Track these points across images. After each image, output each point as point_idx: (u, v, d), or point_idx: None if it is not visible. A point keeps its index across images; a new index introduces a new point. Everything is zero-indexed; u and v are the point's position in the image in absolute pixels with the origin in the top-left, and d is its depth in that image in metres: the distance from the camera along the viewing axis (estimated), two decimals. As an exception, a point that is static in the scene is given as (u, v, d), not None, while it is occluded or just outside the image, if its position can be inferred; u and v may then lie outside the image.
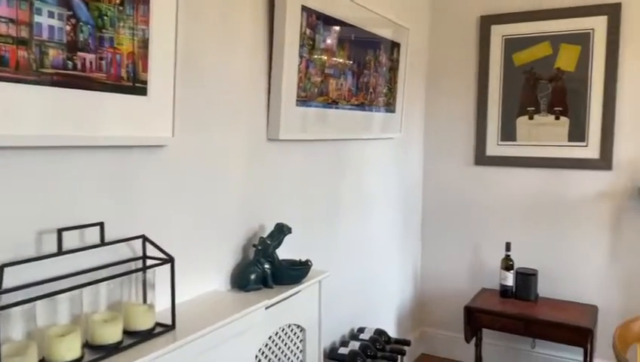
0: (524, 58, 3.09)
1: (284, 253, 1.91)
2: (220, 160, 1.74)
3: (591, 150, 2.93)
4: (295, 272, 1.88)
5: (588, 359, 2.63)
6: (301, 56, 1.97)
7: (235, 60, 1.78)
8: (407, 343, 2.59)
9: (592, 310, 2.85)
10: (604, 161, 2.89)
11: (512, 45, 3.11)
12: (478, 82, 3.21)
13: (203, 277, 1.71)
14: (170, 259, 1.40)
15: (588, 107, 2.92)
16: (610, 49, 2.84)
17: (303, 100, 2.02)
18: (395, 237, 3.12)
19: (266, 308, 1.68)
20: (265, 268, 1.80)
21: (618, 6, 2.81)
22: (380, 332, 2.58)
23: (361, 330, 2.60)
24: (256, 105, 1.89)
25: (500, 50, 3.15)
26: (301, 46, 1.96)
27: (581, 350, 2.74)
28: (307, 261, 1.92)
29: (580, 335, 2.63)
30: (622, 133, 2.85)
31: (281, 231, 1.85)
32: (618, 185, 2.87)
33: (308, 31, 1.99)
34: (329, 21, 2.12)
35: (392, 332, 3.12)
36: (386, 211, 2.97)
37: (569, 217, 3.00)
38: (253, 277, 1.78)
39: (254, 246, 1.83)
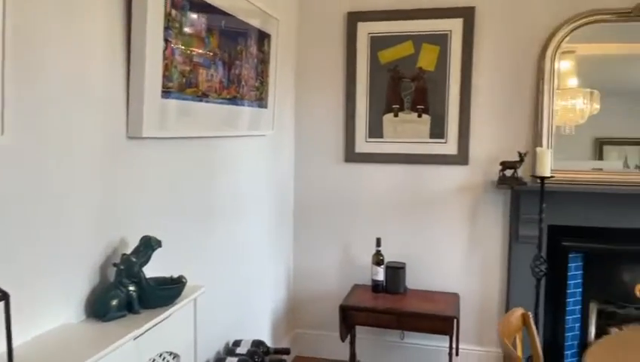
0: (389, 56, 3.15)
1: (152, 270, 1.63)
2: (66, 163, 1.41)
3: (450, 146, 3.09)
4: (167, 292, 1.61)
5: (454, 345, 2.76)
6: (166, 41, 1.70)
7: (85, 46, 1.46)
8: (286, 351, 2.46)
9: (454, 298, 3.02)
10: (461, 157, 3.07)
11: (378, 43, 3.15)
12: (347, 79, 3.20)
13: (49, 309, 1.37)
14: (3, 296, 1.07)
15: (446, 106, 3.08)
16: (466, 50, 3.02)
17: (170, 92, 1.75)
18: (268, 239, 2.97)
19: (135, 338, 1.41)
20: (129, 291, 1.51)
21: (472, 10, 2.99)
22: (257, 344, 2.41)
23: (237, 343, 2.41)
24: (114, 97, 1.58)
25: (366, 48, 3.16)
26: (166, 28, 1.69)
27: (447, 337, 2.88)
28: (181, 277, 1.67)
29: (445, 324, 2.75)
30: (477, 130, 3.05)
31: (148, 245, 1.58)
32: (474, 179, 3.07)
33: (173, 12, 1.73)
34: (196, 3, 1.87)
35: (267, 338, 2.97)
36: (259, 213, 2.80)
37: (432, 210, 3.14)
38: (114, 302, 1.48)
39: (115, 265, 1.53)
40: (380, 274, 3.05)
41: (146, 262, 1.57)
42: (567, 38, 2.89)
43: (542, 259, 2.70)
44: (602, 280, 3.05)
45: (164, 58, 1.70)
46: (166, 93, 1.73)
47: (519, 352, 1.56)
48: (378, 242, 3.05)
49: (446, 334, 2.76)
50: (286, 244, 3.28)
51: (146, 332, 1.48)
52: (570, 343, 3.06)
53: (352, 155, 3.23)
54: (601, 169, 2.95)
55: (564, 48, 2.92)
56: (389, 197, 3.20)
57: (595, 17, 2.83)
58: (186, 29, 1.82)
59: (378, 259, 3.04)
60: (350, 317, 2.89)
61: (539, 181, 2.65)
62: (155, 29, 1.64)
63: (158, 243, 1.59)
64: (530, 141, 2.97)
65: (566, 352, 3.04)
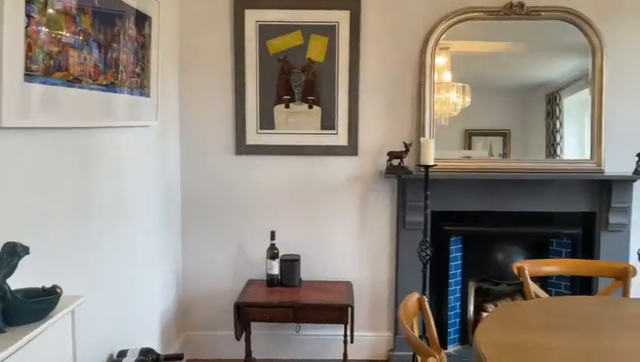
0: (278, 46, 3.09)
1: (21, 281, 1.41)
2: None
3: (340, 137, 3.13)
4: (37, 306, 1.40)
5: (349, 333, 2.81)
6: (29, 16, 1.47)
7: None
8: (179, 357, 2.31)
9: (348, 287, 3.07)
10: (351, 148, 3.12)
11: (266, 32, 3.07)
12: (235, 68, 3.08)
13: None
14: None
15: (336, 97, 3.10)
16: (353, 43, 3.06)
17: (34, 75, 1.52)
18: (155, 238, 2.76)
19: (-2, 364, 1.20)
20: (-9, 307, 1.29)
21: (358, 2, 3.04)
22: (146, 352, 2.23)
23: (123, 354, 2.20)
24: (-39, 78, 1.33)
25: (254, 36, 3.07)
26: (28, 2, 1.46)
27: (342, 325, 2.91)
28: (54, 288, 1.47)
29: (341, 313, 2.78)
30: (366, 121, 3.12)
31: (12, 252, 1.35)
32: (364, 169, 3.14)
33: (36, -17, 1.50)
34: (65, -25, 1.65)
35: (157, 345, 2.77)
36: (144, 210, 2.59)
37: (325, 201, 3.16)
38: (-29, 322, 1.25)
39: (-30, 278, 1.29)
40: (275, 268, 3.00)
41: (11, 272, 1.35)
42: (444, 35, 3.05)
43: (427, 244, 2.84)
44: (479, 261, 3.31)
45: (27, 36, 1.47)
46: (30, 76, 1.50)
47: (416, 333, 1.61)
48: (272, 235, 2.99)
49: (342, 323, 2.79)
50: (174, 243, 3.09)
51: (13, 354, 1.27)
52: (452, 321, 3.28)
53: (243, 147, 3.13)
54: (469, 157, 3.16)
55: (441, 44, 3.08)
56: (283, 190, 3.15)
57: (468, 15, 3.03)
58: (53, 4, 1.59)
59: (273, 253, 2.99)
60: (245, 314, 2.80)
61: (423, 169, 2.78)
62: (15, 3, 1.41)
63: (25, 250, 1.38)
64: (415, 132, 3.11)
65: (449, 330, 3.25)
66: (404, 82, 3.10)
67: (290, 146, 3.12)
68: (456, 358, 3.17)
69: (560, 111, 3.22)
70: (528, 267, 2.12)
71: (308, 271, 3.14)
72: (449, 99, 3.23)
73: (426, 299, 1.73)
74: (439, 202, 3.05)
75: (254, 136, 3.12)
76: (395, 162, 2.98)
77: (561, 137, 3.20)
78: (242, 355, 2.95)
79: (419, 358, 1.85)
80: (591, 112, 3.06)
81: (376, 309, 3.24)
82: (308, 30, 3.07)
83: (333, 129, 3.12)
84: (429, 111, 3.06)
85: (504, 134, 3.25)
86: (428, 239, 2.85)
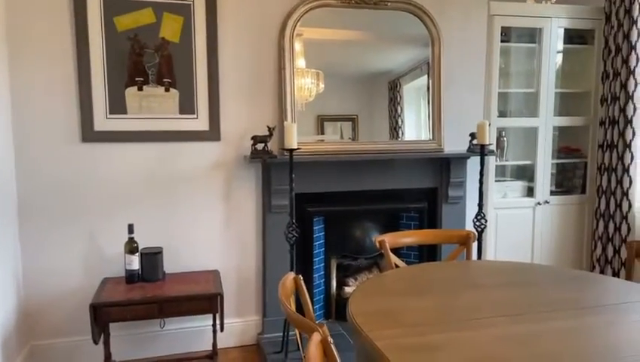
0: (127, 24, 2.85)
1: None
2: None
3: (201, 122, 3.01)
4: None
5: (218, 322, 2.75)
6: None
7: None
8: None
9: (215, 276, 3.00)
10: (213, 133, 3.03)
11: (113, 7, 2.81)
12: (77, 46, 2.77)
13: None
14: None
15: (195, 80, 2.97)
16: (211, 24, 2.95)
17: None
18: (-13, 240, 2.39)
19: None
20: None
21: (214, -18, 2.93)
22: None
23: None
24: None
25: (99, 11, 2.79)
26: None
27: (210, 315, 2.85)
28: None
29: (210, 302, 2.71)
30: (227, 105, 3.05)
31: None
32: (227, 154, 3.08)
33: None
34: None
35: (-4, 363, 2.42)
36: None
37: (187, 189, 3.03)
38: None
39: None
40: (135, 263, 2.80)
41: None
42: (301, 22, 3.11)
43: (294, 226, 2.90)
44: (340, 238, 3.48)
45: None
46: None
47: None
48: (130, 229, 2.78)
49: (211, 312, 2.72)
50: (9, 243, 2.70)
51: None
52: (317, 298, 3.41)
53: (90, 134, 2.84)
54: (322, 141, 3.29)
55: (297, 30, 3.13)
56: (139, 179, 2.94)
57: (323, 1, 3.12)
58: None
59: (132, 247, 2.78)
60: (104, 315, 2.58)
61: (287, 153, 2.82)
62: None
63: None
64: (277, 116, 3.13)
65: (314, 307, 3.37)
66: (265, 66, 3.10)
67: (146, 132, 2.92)
68: (323, 333, 3.31)
69: (400, 97, 3.50)
70: (388, 240, 2.29)
71: (172, 264, 3.00)
72: (304, 85, 3.30)
73: (301, 278, 1.77)
74: (301, 185, 3.14)
75: (103, 121, 2.85)
76: (260, 146, 2.98)
77: (402, 121, 3.49)
78: (101, 360, 2.72)
79: (297, 334, 1.90)
80: (432, 98, 3.38)
81: (244, 295, 3.23)
82: (160, 8, 2.88)
83: (193, 113, 2.99)
84: (290, 95, 3.10)
85: (352, 119, 3.43)
86: (294, 221, 2.90)
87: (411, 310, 1.69)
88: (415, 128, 3.42)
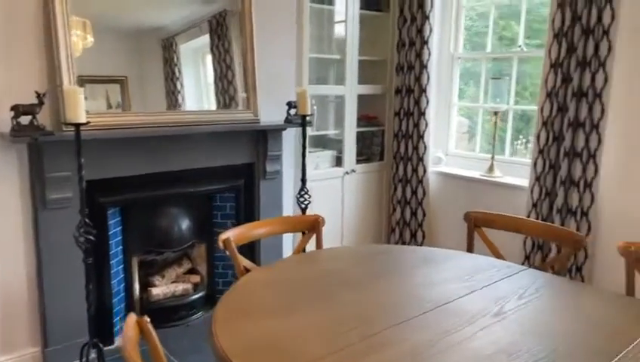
0: None
1: None
2: None
3: None
4: None
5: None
6: None
7: None
8: None
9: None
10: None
11: None
12: None
13: None
14: None
15: None
16: None
17: None
18: None
19: None
20: None
21: None
22: None
23: None
24: None
25: None
26: None
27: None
28: None
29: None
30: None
31: None
32: (-30, 132, 2.12)
33: None
34: None
35: None
36: None
37: None
38: None
39: None
40: None
41: None
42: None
43: (88, 225, 2.17)
44: (141, 231, 2.83)
45: None
46: None
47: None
48: None
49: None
50: None
51: None
52: (118, 307, 2.74)
53: None
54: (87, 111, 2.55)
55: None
56: None
57: None
58: None
59: None
60: None
61: (73, 128, 2.06)
62: None
63: None
64: (46, 77, 2.28)
65: (115, 320, 2.70)
66: (23, 10, 2.20)
67: None
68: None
69: (178, 58, 2.99)
70: (234, 237, 1.85)
71: None
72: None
73: (147, 320, 1.22)
74: (88, 170, 2.38)
75: None
76: (25, 120, 2.12)
77: (181, 85, 2.99)
78: None
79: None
80: (243, 61, 2.95)
81: (11, 321, 2.36)
82: None
83: None
84: (66, 48, 2.29)
85: (121, 82, 2.78)
86: (87, 220, 2.18)
87: (297, 333, 1.33)
88: (195, 94, 2.93)
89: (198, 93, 2.95)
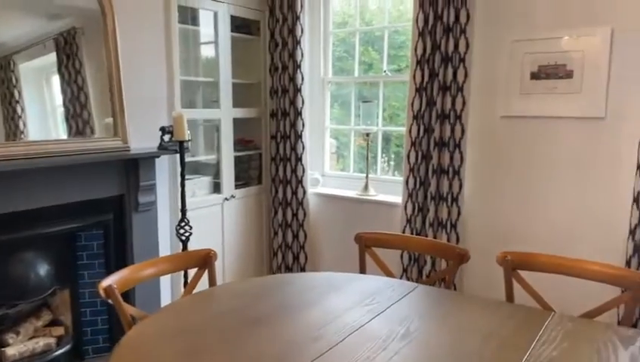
0: None
1: None
2: None
3: None
4: None
5: None
6: None
7: None
8: None
9: None
10: None
11: None
12: None
13: None
14: None
15: None
16: None
17: None
18: None
19: None
20: None
21: None
22: None
23: None
24: None
25: None
26: None
27: None
28: None
29: None
30: None
31: None
32: None
33: None
34: None
35: None
36: None
37: None
38: None
39: None
40: None
41: None
42: None
43: None
44: (-11, 283, 2.40)
45: None
46: None
47: None
48: None
49: None
50: None
51: None
52: (-41, 379, 2.27)
53: None
54: None
55: None
56: None
57: None
58: None
59: None
60: None
61: None
62: None
63: None
64: None
65: (-44, 393, 2.23)
66: None
67: None
68: None
69: (17, 79, 2.68)
70: (117, 283, 1.63)
71: None
72: None
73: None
74: None
75: None
76: None
77: (22, 109, 2.68)
78: None
79: None
80: (109, 84, 2.69)
81: None
82: None
83: None
84: None
85: None
86: None
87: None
88: (40, 119, 2.62)
89: (43, 118, 2.60)
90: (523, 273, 1.90)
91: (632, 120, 2.53)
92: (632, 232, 2.52)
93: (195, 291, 1.88)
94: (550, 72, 2.75)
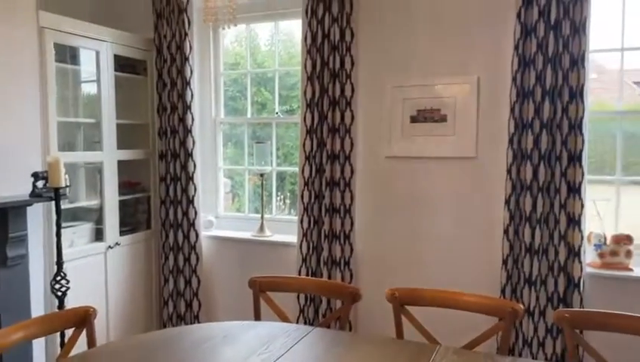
0: None
1: None
2: None
3: None
4: None
5: None
6: None
7: None
8: None
9: None
10: None
11: None
12: None
13: None
14: None
15: None
16: None
17: None
18: None
19: None
20: None
21: None
22: None
23: None
24: None
25: None
26: None
27: None
28: None
29: None
30: None
31: None
32: None
33: None
34: None
35: None
36: None
37: None
38: None
39: None
40: None
41: None
42: None
43: None
44: None
45: None
46: None
47: None
48: None
49: None
50: None
51: None
52: None
53: None
54: None
55: None
56: None
57: None
58: None
59: None
60: None
61: None
62: None
63: None
64: None
65: None
66: None
67: None
68: None
69: None
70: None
71: None
72: None
73: None
74: None
75: None
76: None
77: None
78: None
79: None
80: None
81: None
82: None
83: None
84: None
85: None
86: None
87: None
88: None
89: None
90: (413, 308, 1.98)
91: (499, 158, 2.80)
92: (505, 262, 2.75)
93: (72, 353, 1.71)
94: (427, 116, 2.97)
